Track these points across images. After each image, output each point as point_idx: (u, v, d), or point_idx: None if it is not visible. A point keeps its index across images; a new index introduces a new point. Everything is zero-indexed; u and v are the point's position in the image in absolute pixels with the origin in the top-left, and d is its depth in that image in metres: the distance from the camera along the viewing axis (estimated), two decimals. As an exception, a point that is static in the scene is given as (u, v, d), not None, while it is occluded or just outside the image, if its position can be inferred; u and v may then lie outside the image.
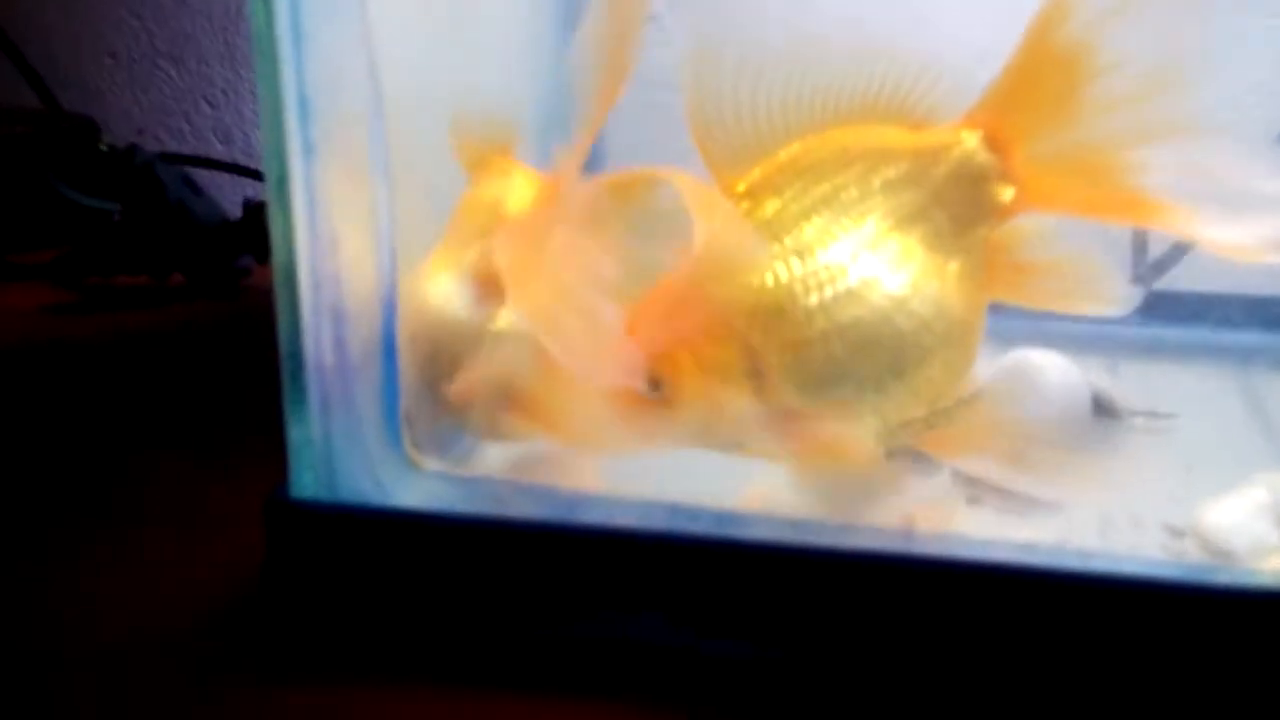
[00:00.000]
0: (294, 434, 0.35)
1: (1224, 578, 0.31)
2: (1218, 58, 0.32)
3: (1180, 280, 0.69)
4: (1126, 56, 0.32)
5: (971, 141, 0.35)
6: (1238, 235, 0.32)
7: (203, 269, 0.76)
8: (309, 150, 0.32)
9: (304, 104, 0.32)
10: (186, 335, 0.70)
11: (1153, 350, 0.60)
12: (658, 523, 0.34)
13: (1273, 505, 0.35)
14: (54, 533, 0.43)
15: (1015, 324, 0.61)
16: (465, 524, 0.34)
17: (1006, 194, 0.35)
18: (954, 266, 0.35)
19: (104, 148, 0.75)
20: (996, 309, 0.39)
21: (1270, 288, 0.66)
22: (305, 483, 0.35)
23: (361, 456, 0.35)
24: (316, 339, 0.34)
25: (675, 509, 0.34)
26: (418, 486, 0.35)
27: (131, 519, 0.44)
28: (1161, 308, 0.65)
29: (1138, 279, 0.70)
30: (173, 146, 1.04)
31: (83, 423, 0.55)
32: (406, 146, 0.35)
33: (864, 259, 0.34)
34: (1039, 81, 0.34)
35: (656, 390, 0.33)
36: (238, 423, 0.54)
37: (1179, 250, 0.70)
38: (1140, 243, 0.71)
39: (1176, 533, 0.37)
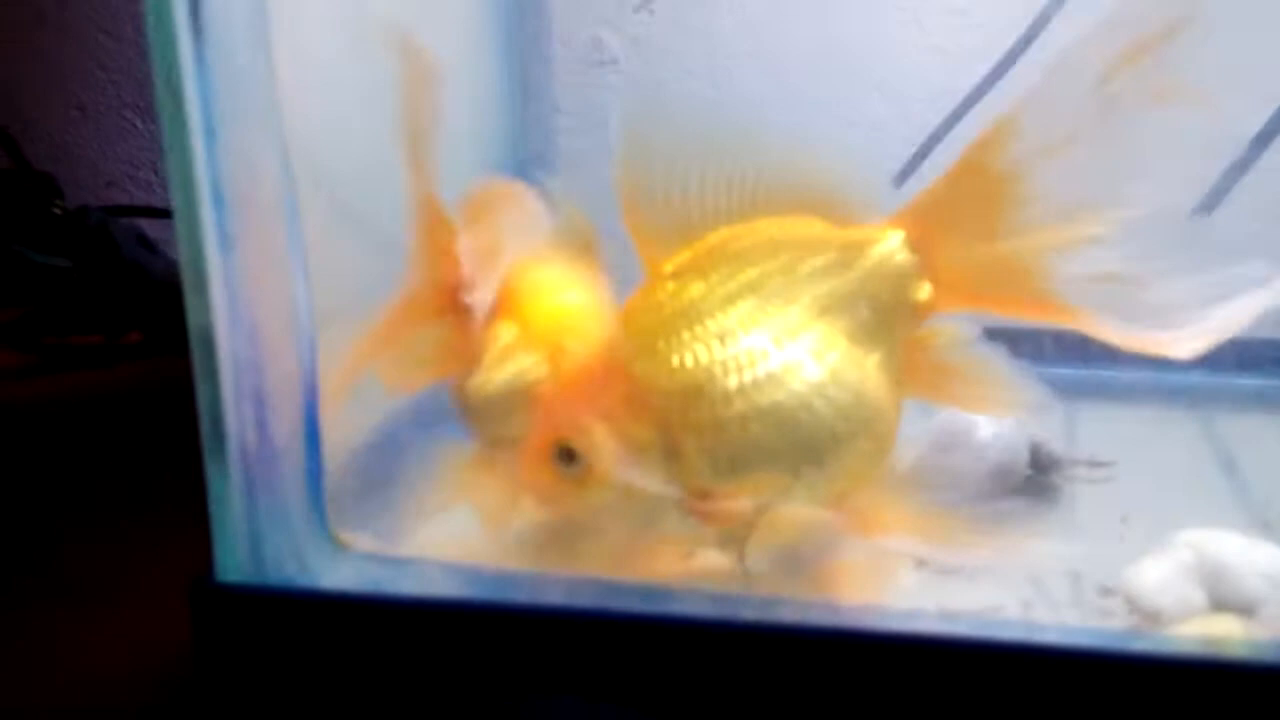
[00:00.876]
0: (218, 516, 0.35)
1: (1141, 645, 0.31)
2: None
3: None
4: (1048, 191, 0.34)
5: (894, 240, 0.37)
6: (1141, 336, 0.35)
7: (159, 326, 0.76)
8: (226, 242, 0.33)
9: (218, 197, 0.32)
10: (140, 394, 0.70)
11: (1112, 393, 0.61)
12: (586, 600, 0.34)
13: (1196, 566, 0.35)
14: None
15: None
16: (392, 605, 0.34)
17: (924, 292, 0.36)
18: (874, 358, 0.36)
19: (57, 210, 0.75)
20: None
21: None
22: (231, 565, 0.35)
23: (287, 538, 0.35)
24: (239, 422, 0.34)
25: (603, 585, 0.34)
26: (345, 568, 0.35)
27: (62, 595, 0.44)
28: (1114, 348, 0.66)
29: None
30: (141, 198, 1.04)
31: (23, 490, 0.55)
32: (324, 233, 0.35)
33: (786, 345, 0.34)
34: (966, 196, 0.36)
35: (572, 464, 0.33)
36: (186, 491, 0.54)
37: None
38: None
39: (1106, 592, 0.37)
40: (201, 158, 0.32)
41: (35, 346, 0.76)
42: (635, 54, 0.85)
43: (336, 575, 0.35)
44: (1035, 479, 0.47)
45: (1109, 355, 0.64)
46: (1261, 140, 0.64)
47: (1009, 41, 0.69)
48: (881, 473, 0.36)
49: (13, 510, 0.53)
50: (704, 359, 0.34)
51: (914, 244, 0.36)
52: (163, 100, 0.32)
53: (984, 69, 0.70)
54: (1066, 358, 0.64)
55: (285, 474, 0.35)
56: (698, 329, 0.34)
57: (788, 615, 0.33)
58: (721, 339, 0.34)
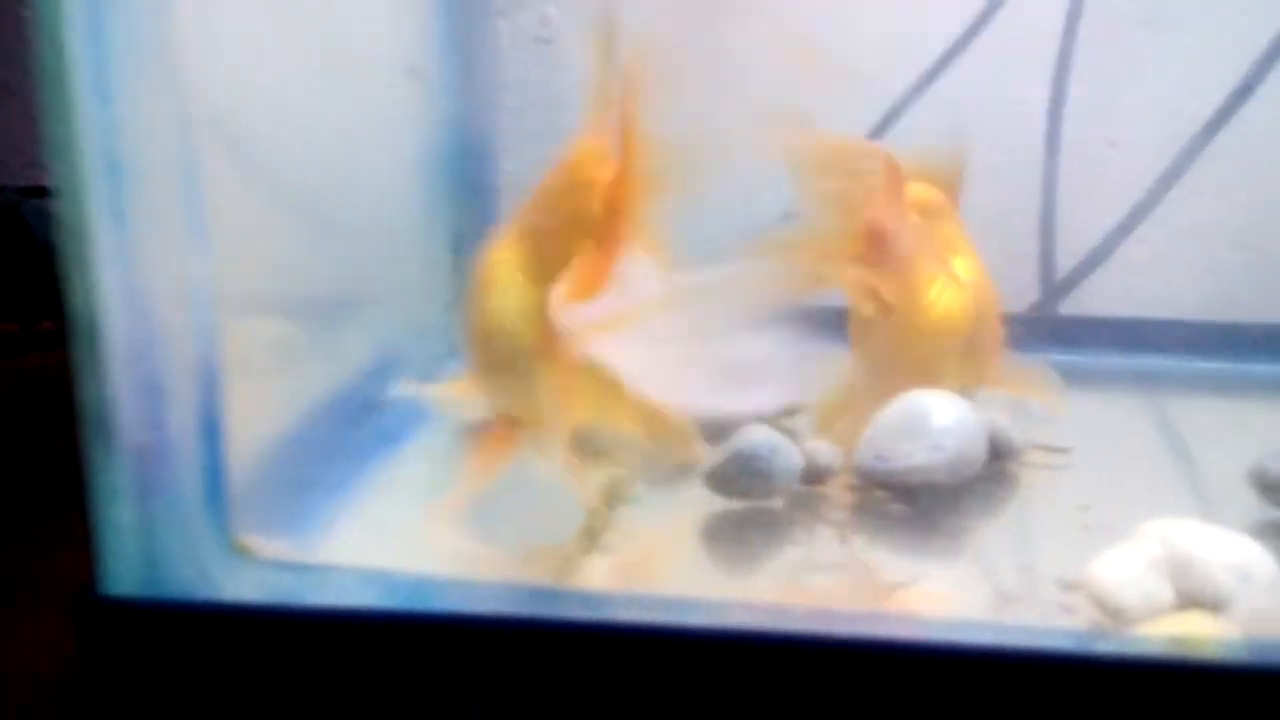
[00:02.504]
0: (103, 521, 0.31)
1: (1107, 646, 0.29)
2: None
3: (1090, 305, 0.69)
4: None
5: None
6: None
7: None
8: (117, 217, 0.29)
9: (112, 166, 0.29)
10: (51, 386, 0.65)
11: (1065, 377, 0.60)
12: (515, 607, 0.31)
13: (1164, 559, 0.34)
14: None
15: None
16: (302, 618, 0.31)
17: None
18: None
19: (-39, 189, 0.70)
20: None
21: (1180, 311, 0.67)
22: (119, 576, 0.31)
23: (183, 544, 0.32)
24: (129, 416, 0.31)
25: (533, 592, 0.31)
26: (249, 577, 0.32)
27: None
28: (1071, 333, 0.65)
29: (1046, 297, 0.70)
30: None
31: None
32: (234, 208, 0.32)
33: None
34: None
35: None
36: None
37: (1084, 270, 0.70)
38: (1047, 262, 0.70)
39: (1068, 587, 0.35)
40: (91, 122, 0.29)
41: (-59, 335, 0.71)
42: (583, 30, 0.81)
43: (239, 585, 0.32)
44: (993, 466, 0.45)
45: (1061, 340, 0.64)
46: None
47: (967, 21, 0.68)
48: None
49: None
50: None
51: None
52: (45, 55, 0.28)
53: (940, 48, 0.69)
54: (1018, 343, 0.63)
55: (182, 473, 0.31)
56: None
57: (731, 620, 0.30)
58: None
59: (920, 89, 0.69)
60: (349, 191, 0.48)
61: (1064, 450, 0.47)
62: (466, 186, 0.65)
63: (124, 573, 0.31)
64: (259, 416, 0.37)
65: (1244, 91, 0.64)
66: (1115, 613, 0.33)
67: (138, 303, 0.30)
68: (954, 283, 0.47)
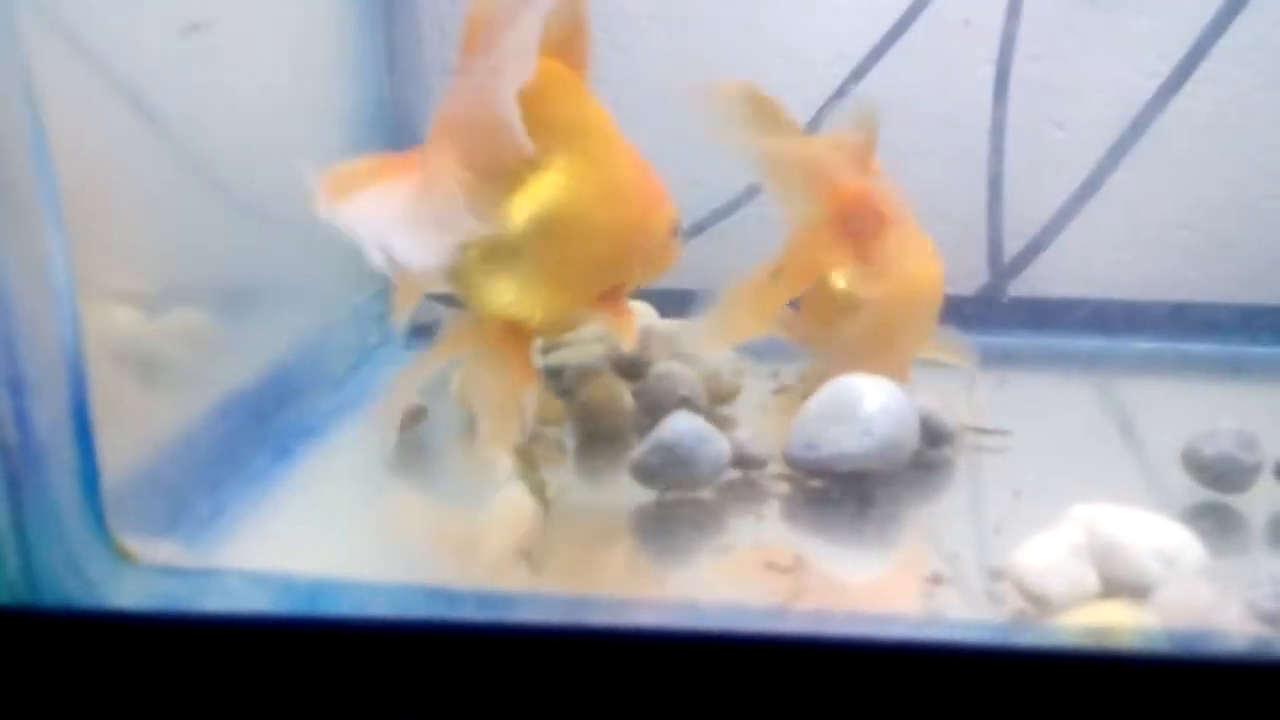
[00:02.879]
0: (-24, 527, 0.29)
1: (1026, 638, 0.28)
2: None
3: (1035, 285, 0.68)
4: None
5: None
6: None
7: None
8: (-40, 194, 0.27)
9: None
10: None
11: (1012, 359, 0.59)
12: (416, 609, 0.29)
13: (1087, 545, 0.33)
14: None
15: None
16: (191, 624, 0.29)
17: None
18: None
19: None
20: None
21: (1123, 291, 0.66)
22: (-4, 583, 0.29)
23: (61, 548, 0.30)
24: (-5, 414, 0.29)
25: (434, 593, 0.30)
26: (134, 583, 0.30)
27: None
28: (1018, 314, 0.65)
29: (994, 280, 0.69)
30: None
31: None
32: (87, 190, 0.30)
33: None
34: None
35: None
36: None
37: (1031, 252, 0.69)
38: (995, 244, 0.69)
39: (996, 575, 0.34)
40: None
41: None
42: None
43: (126, 592, 0.30)
44: (926, 452, 0.44)
45: (1002, 321, 0.64)
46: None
47: (898, 6, 0.67)
48: None
49: None
50: None
51: None
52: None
53: (881, 31, 0.68)
54: (961, 324, 0.63)
55: (53, 473, 0.29)
56: None
57: (642, 619, 0.29)
58: None
59: (863, 70, 0.68)
60: (265, 175, 0.46)
61: (1002, 433, 0.46)
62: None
63: (2, 579, 0.29)
64: (149, 411, 0.35)
65: (1187, 68, 0.63)
66: (1038, 599, 0.32)
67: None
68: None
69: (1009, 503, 0.40)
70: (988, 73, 0.67)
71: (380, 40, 0.62)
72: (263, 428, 0.44)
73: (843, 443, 0.41)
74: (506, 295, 0.41)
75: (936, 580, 0.33)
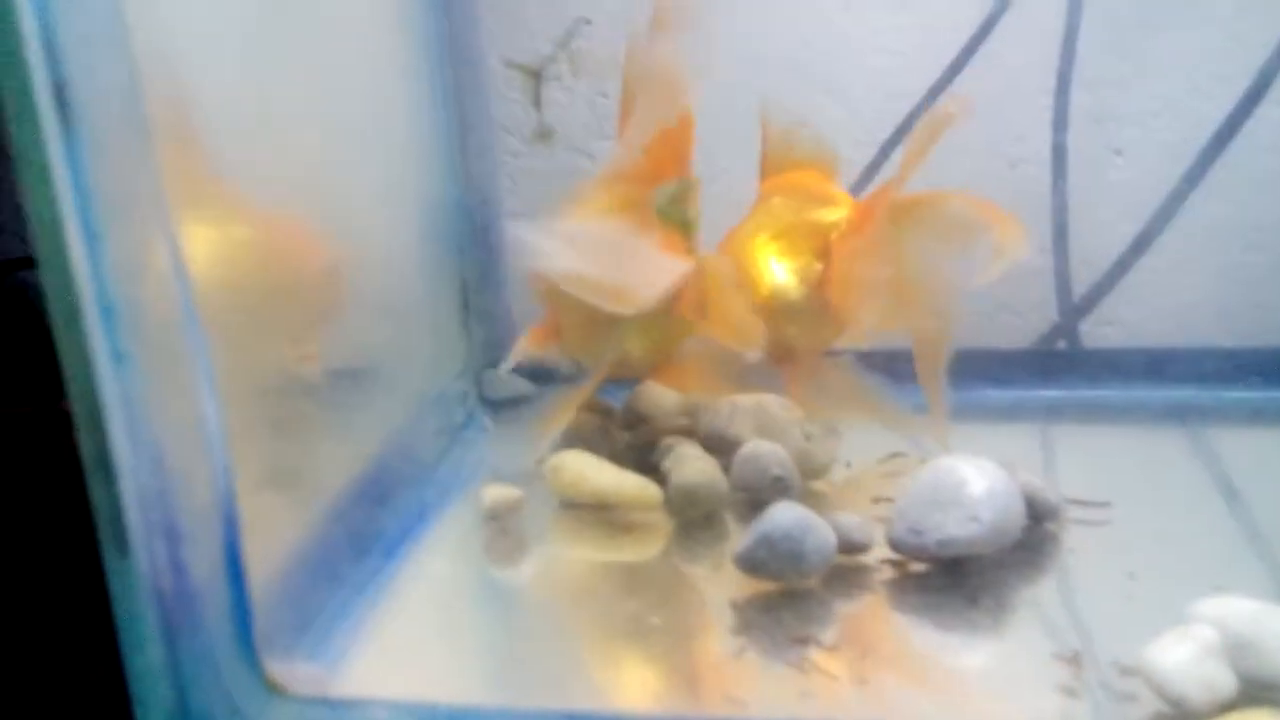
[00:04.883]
0: (135, 666, 0.30)
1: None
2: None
3: (1111, 328, 0.68)
4: None
5: None
6: None
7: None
8: (119, 358, 0.28)
9: (107, 309, 0.28)
10: (76, 470, 0.65)
11: (1091, 413, 0.59)
12: (557, 735, 0.30)
13: (1219, 642, 0.32)
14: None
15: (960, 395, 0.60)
16: (339, 755, 0.30)
17: None
18: None
19: (-35, 275, 0.69)
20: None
21: (1214, 338, 0.65)
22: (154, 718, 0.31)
23: (216, 686, 0.31)
24: (150, 561, 0.30)
25: (573, 716, 0.30)
26: (283, 714, 0.31)
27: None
28: (1092, 365, 0.64)
29: (1064, 320, 0.68)
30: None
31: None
32: (233, 345, 0.31)
33: None
34: None
35: None
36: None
37: (1102, 288, 0.68)
38: (1063, 280, 0.69)
39: (1126, 671, 0.34)
40: (84, 266, 0.28)
41: (-45, 422, 0.70)
42: (581, 68, 0.81)
43: (274, 723, 0.31)
44: (1032, 529, 0.44)
45: (1088, 376, 0.63)
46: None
47: (960, 38, 0.67)
48: None
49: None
50: None
51: None
52: (33, 196, 0.28)
53: (934, 68, 0.68)
54: (1043, 379, 0.62)
55: (208, 614, 0.31)
56: None
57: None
58: None
59: (926, 104, 0.69)
60: (356, 264, 0.47)
61: (1103, 505, 0.46)
62: (471, 234, 0.64)
63: (158, 717, 0.30)
64: (276, 534, 0.36)
65: (1256, 95, 0.63)
66: (1176, 702, 0.32)
67: (149, 446, 0.30)
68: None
69: (1124, 585, 0.40)
70: (1042, 104, 0.67)
71: (450, 107, 0.63)
72: (368, 526, 0.45)
73: (948, 528, 0.41)
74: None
75: (1070, 690, 0.33)
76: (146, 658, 0.30)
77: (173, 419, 0.29)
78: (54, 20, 0.26)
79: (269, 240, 0.37)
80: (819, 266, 0.51)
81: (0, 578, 0.52)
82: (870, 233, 0.49)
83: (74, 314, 0.28)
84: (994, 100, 0.69)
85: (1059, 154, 0.68)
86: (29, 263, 0.77)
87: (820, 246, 0.51)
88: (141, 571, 0.30)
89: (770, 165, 0.54)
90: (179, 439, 0.30)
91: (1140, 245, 0.66)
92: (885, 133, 0.69)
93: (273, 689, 0.31)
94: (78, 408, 0.29)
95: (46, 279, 0.28)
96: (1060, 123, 0.68)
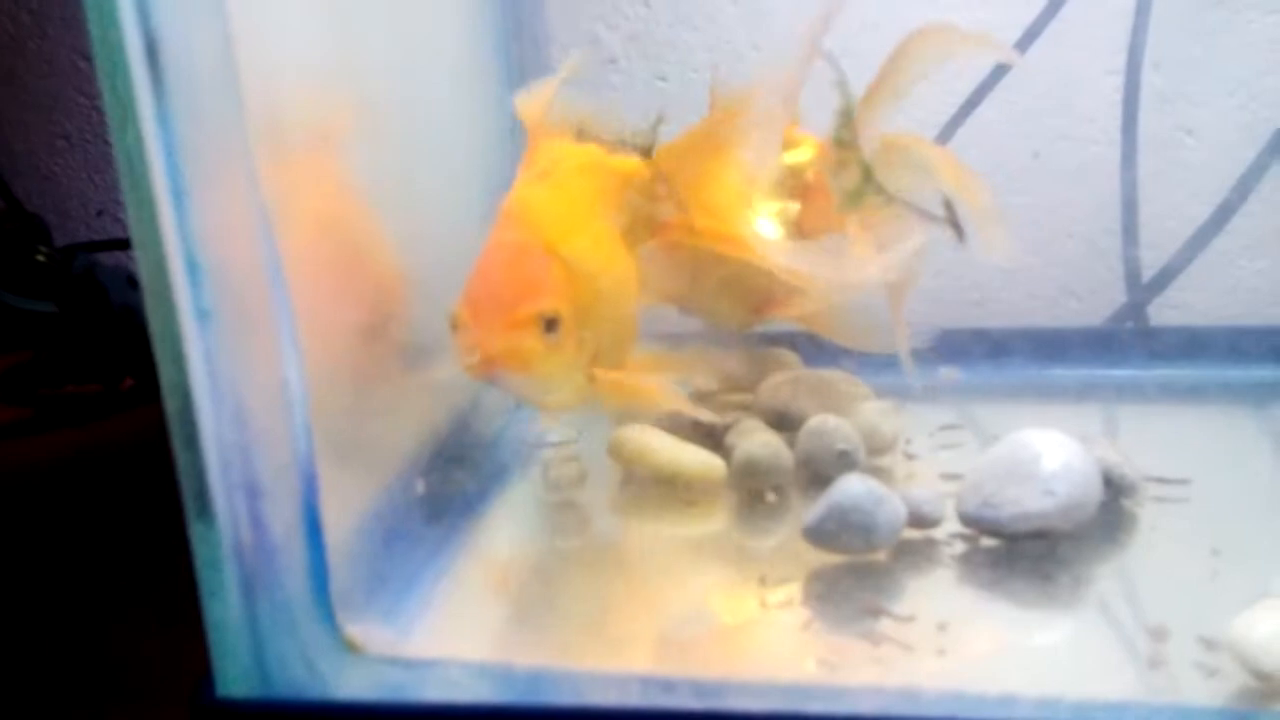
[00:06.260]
0: (214, 620, 0.31)
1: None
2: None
3: (1178, 311, 0.66)
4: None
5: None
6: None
7: (154, 369, 0.72)
8: (203, 315, 0.29)
9: (192, 264, 0.28)
10: (140, 446, 0.66)
11: (1156, 393, 0.57)
12: (631, 698, 0.30)
13: (1315, 617, 0.31)
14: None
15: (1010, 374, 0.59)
16: (418, 715, 0.30)
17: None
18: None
19: (41, 256, 0.71)
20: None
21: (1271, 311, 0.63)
22: (232, 676, 0.31)
23: (293, 643, 0.31)
24: (231, 517, 0.30)
25: (648, 681, 0.30)
26: (360, 673, 0.31)
27: (68, 694, 0.40)
28: (1162, 343, 0.62)
29: (1132, 301, 0.67)
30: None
31: (27, 570, 0.51)
32: (316, 305, 0.31)
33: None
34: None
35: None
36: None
37: (1172, 270, 0.66)
38: (1133, 265, 0.67)
39: (1211, 646, 0.33)
40: (170, 224, 0.28)
41: (31, 399, 0.72)
42: (634, 51, 0.81)
43: (350, 682, 0.31)
44: (1109, 505, 0.43)
45: (1159, 354, 0.61)
46: None
47: (1023, 18, 0.66)
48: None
49: (11, 593, 0.49)
50: None
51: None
52: (122, 161, 0.28)
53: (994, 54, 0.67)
54: (1111, 358, 0.61)
55: (286, 571, 0.31)
56: None
57: (863, 707, 0.29)
58: None
59: (991, 83, 0.67)
60: (428, 238, 0.47)
61: (1182, 482, 0.45)
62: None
63: (237, 673, 0.31)
64: (351, 496, 0.36)
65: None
66: (1266, 677, 0.31)
67: (230, 400, 0.30)
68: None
69: (1206, 561, 0.39)
70: (1110, 84, 0.66)
71: (514, 75, 0.63)
72: (435, 495, 0.45)
73: (1024, 502, 0.40)
74: None
75: (1154, 659, 0.32)
76: (225, 610, 0.31)
77: (255, 378, 0.30)
78: (145, -22, 0.26)
79: (352, 212, 0.38)
80: (795, 206, 0.51)
81: (76, 547, 0.54)
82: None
83: (160, 271, 0.29)
84: (1062, 80, 0.68)
85: (1129, 135, 0.66)
86: (107, 245, 0.79)
87: (794, 187, 0.51)
88: (222, 525, 0.30)
89: None
90: (261, 397, 0.30)
91: (1211, 227, 0.65)
92: (948, 113, 0.68)
93: (349, 647, 0.31)
94: (163, 363, 0.29)
95: (136, 237, 0.28)
96: (1131, 102, 0.66)
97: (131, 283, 0.73)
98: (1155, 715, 0.28)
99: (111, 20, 0.26)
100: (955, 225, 0.40)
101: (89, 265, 0.72)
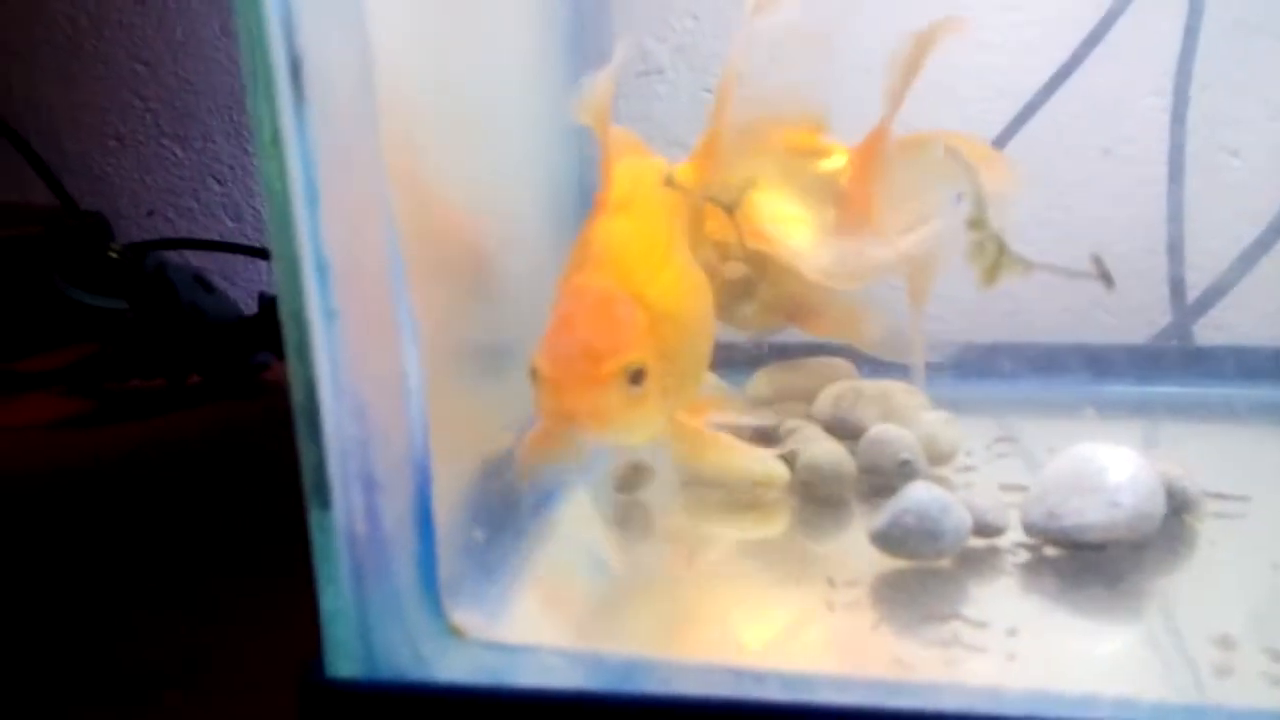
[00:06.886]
0: (327, 606, 0.33)
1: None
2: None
3: (1220, 331, 0.67)
4: None
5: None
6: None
7: (219, 368, 0.74)
8: (330, 315, 0.31)
9: (321, 266, 0.30)
10: (205, 441, 0.68)
11: (1201, 412, 0.58)
12: (721, 689, 0.31)
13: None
14: (57, 704, 0.40)
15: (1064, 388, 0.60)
16: (515, 699, 0.32)
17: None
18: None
19: (113, 253, 0.73)
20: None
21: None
22: (341, 659, 0.33)
23: (400, 628, 0.33)
24: (347, 508, 0.32)
25: (739, 673, 0.32)
26: (461, 658, 0.33)
27: (139, 686, 0.41)
28: (1205, 363, 0.63)
29: (1177, 321, 0.68)
30: (182, 225, 1.03)
31: (95, 560, 0.53)
32: (432, 305, 0.33)
33: None
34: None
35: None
36: (265, 557, 0.52)
37: (1217, 291, 0.67)
38: (1178, 284, 0.68)
39: (1278, 656, 0.34)
40: (304, 225, 0.30)
41: (96, 391, 0.75)
42: (680, 61, 0.83)
43: (452, 666, 0.33)
44: (1170, 519, 0.44)
45: (1200, 373, 0.62)
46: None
47: (1069, 37, 0.67)
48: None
49: (79, 584, 0.51)
50: None
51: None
52: (265, 163, 0.30)
53: (1043, 66, 0.68)
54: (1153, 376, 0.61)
55: (396, 560, 0.33)
56: None
57: (948, 703, 0.30)
58: None
59: (1041, 99, 0.69)
60: (505, 239, 0.49)
61: (1241, 498, 0.46)
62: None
63: (346, 656, 0.33)
64: (455, 488, 0.38)
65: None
66: (1336, 687, 0.32)
67: (352, 394, 0.32)
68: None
69: (1268, 576, 0.40)
70: (1154, 104, 0.67)
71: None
72: (512, 490, 0.47)
73: (1088, 514, 0.41)
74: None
75: (1222, 668, 0.33)
76: (338, 599, 0.32)
77: (376, 373, 0.32)
78: (293, -1, 0.28)
79: (459, 218, 0.39)
80: (833, 214, 0.52)
81: (128, 539, 0.55)
82: (877, 171, 0.50)
83: (293, 271, 0.30)
84: (1109, 100, 0.69)
85: (1176, 155, 0.68)
86: (177, 243, 0.82)
87: (828, 195, 0.52)
88: (339, 517, 0.32)
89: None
90: (381, 392, 0.32)
91: (1256, 250, 0.66)
92: (994, 131, 0.69)
93: (454, 633, 0.33)
94: (292, 359, 0.31)
95: (273, 240, 0.30)
96: (1178, 123, 0.67)
97: (200, 282, 0.75)
98: (1235, 719, 0.29)
99: (261, 39, 0.28)
100: (1105, 276, 0.40)
101: (160, 264, 0.74)
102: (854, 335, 0.54)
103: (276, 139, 0.29)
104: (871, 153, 0.52)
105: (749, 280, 0.53)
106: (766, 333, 0.58)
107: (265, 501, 0.57)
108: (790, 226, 0.50)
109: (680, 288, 0.44)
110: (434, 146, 0.38)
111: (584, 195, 0.64)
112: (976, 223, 0.44)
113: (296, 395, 0.31)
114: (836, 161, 0.54)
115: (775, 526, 0.47)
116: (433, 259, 0.36)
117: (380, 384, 0.32)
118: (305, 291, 0.30)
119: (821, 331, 0.55)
